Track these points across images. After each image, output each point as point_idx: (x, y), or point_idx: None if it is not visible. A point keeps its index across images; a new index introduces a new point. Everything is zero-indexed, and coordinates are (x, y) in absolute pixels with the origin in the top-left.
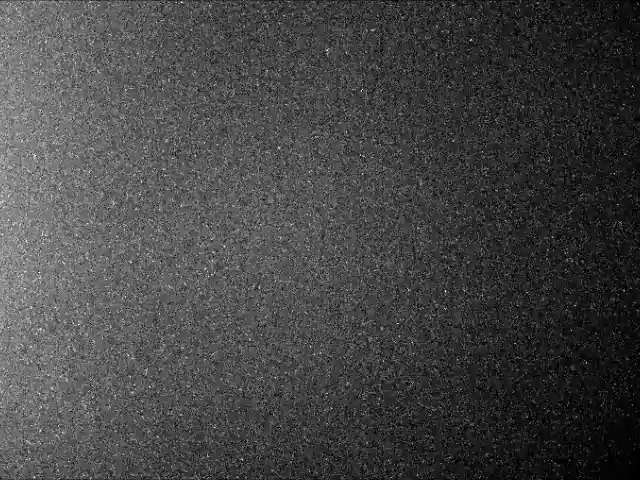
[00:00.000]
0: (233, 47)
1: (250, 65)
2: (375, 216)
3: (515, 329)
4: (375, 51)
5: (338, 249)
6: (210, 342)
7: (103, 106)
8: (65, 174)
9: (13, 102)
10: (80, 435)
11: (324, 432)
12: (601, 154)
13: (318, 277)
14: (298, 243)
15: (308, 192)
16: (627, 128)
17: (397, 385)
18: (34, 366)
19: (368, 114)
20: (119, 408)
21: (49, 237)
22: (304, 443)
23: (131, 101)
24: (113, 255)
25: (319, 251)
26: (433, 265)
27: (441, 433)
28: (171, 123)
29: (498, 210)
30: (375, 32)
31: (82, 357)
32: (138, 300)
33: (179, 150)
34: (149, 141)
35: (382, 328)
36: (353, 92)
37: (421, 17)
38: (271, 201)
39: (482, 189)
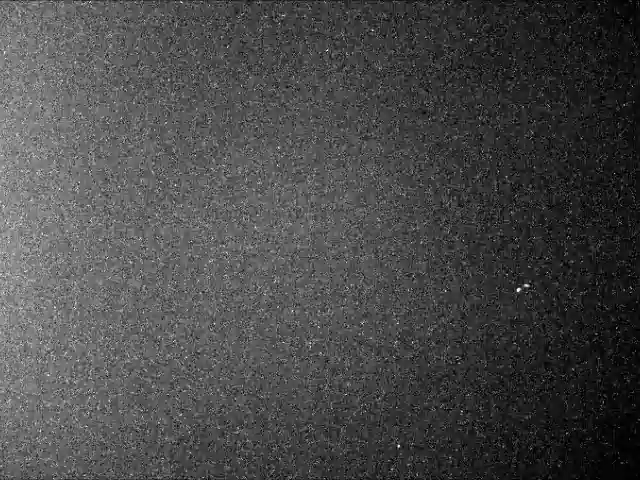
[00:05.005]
0: (233, 48)
1: (251, 65)
2: (375, 216)
3: (515, 328)
4: (375, 51)
5: (338, 249)
6: (210, 342)
7: (103, 107)
8: (65, 174)
9: (13, 102)
10: (81, 435)
11: (324, 432)
12: (602, 154)
13: (318, 277)
14: (298, 243)
15: (307, 192)
16: (629, 128)
17: (397, 385)
18: (34, 366)
19: (368, 114)
20: (120, 408)
21: (49, 237)
22: (303, 443)
23: (132, 101)
24: (113, 255)
25: (319, 251)
26: (433, 264)
27: (441, 433)
28: (172, 124)
29: (499, 210)
30: (375, 33)
31: (82, 357)
32: (138, 300)
33: (179, 151)
34: (149, 142)
35: (382, 328)
36: (353, 93)
37: (421, 18)
38: (271, 201)
39: (482, 189)
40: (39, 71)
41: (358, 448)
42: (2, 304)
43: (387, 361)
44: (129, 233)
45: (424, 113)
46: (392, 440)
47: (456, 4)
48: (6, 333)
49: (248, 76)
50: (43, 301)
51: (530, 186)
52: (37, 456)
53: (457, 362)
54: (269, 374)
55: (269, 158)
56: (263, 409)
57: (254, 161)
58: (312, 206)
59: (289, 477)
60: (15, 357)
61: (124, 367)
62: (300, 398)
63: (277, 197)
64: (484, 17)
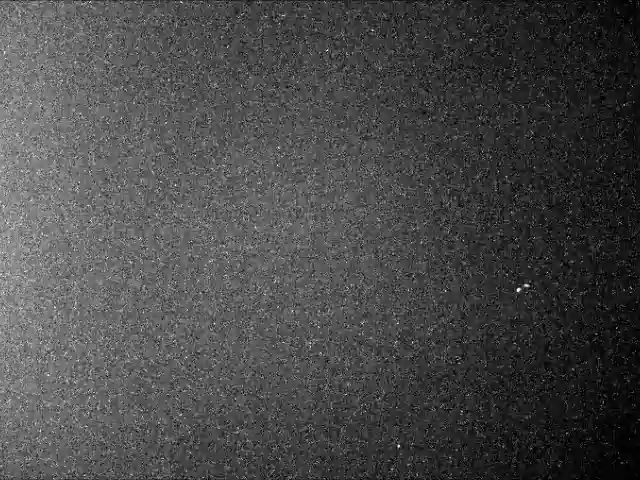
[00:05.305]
0: (233, 48)
1: (251, 65)
2: (375, 216)
3: (515, 328)
4: (375, 51)
5: (338, 249)
6: (210, 342)
7: (103, 107)
8: (65, 174)
9: (13, 102)
10: (81, 435)
11: (324, 432)
12: (602, 154)
13: (318, 277)
14: (298, 243)
15: (307, 192)
16: (629, 128)
17: (397, 385)
18: (34, 366)
19: (368, 114)
20: (120, 408)
21: (49, 237)
22: (303, 443)
23: (132, 101)
24: (113, 255)
25: (319, 251)
26: (433, 264)
27: (441, 433)
28: (172, 124)
29: (499, 210)
30: (375, 33)
31: (82, 357)
32: (138, 300)
33: (179, 151)
34: (149, 142)
35: (382, 328)
36: (353, 93)
37: (421, 18)
38: (271, 201)
39: (482, 189)
40: (39, 71)
41: (358, 448)
42: (2, 304)
43: (387, 361)
44: (129, 233)
45: (424, 113)
46: (392, 440)
47: (456, 4)
48: (6, 333)
49: (248, 76)
50: (43, 301)
51: (530, 186)
52: (37, 456)
53: (457, 362)
54: (269, 374)
55: (269, 158)
56: (263, 409)
57: (254, 161)
58: (312, 206)
59: (289, 477)
60: (15, 357)
61: (124, 367)
62: (300, 398)
63: (277, 197)
64: (484, 17)
